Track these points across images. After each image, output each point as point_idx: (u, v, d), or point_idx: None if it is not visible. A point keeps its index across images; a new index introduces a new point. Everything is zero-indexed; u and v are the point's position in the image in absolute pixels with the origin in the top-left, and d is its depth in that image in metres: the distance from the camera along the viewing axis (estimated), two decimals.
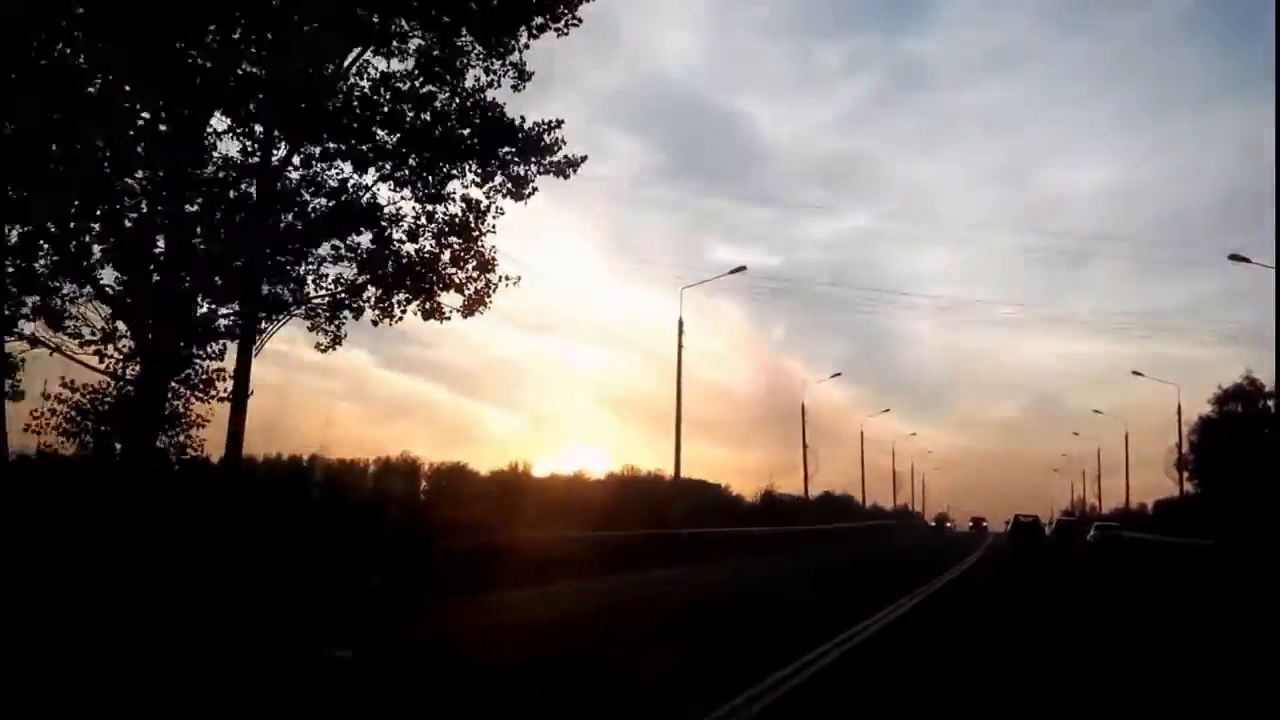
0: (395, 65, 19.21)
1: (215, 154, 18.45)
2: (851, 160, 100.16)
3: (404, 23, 18.85)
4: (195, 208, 18.29)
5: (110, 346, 17.84)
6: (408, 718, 6.94)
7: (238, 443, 18.80)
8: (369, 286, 20.28)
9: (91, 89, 16.14)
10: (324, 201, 19.62)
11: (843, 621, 12.19)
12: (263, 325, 19.64)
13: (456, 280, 20.28)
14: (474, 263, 20.33)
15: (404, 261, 20.16)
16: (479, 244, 20.27)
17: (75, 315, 17.90)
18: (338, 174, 19.51)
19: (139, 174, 17.52)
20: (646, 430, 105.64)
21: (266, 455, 75.76)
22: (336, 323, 20.52)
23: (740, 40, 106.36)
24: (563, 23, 19.32)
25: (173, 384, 18.20)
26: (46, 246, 17.43)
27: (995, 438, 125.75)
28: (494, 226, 20.36)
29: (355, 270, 20.18)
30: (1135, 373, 55.78)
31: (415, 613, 13.16)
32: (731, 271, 38.44)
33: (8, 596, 10.05)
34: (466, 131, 19.66)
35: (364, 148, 19.31)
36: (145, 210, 17.91)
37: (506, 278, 20.51)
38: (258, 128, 18.61)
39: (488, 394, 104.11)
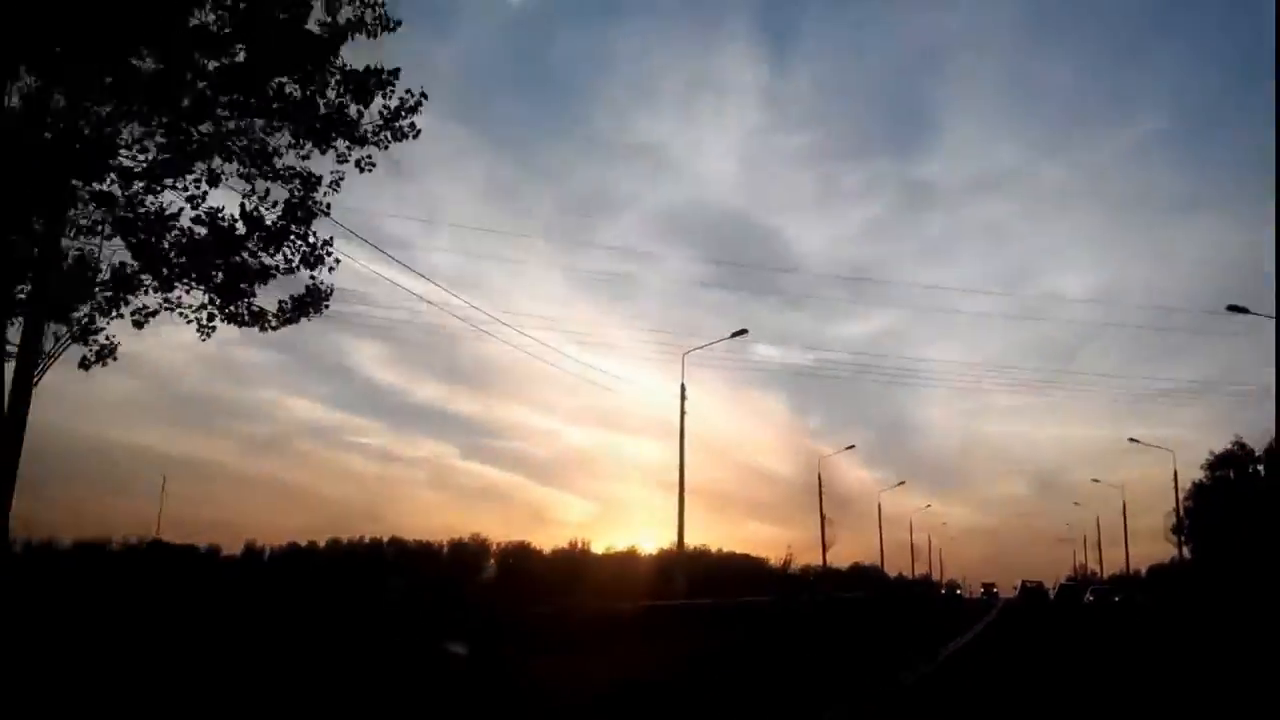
0: None
1: None
2: (872, 268, 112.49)
3: None
4: None
5: None
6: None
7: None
8: (141, 276, 15.11)
9: None
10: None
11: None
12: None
13: (270, 269, 15.42)
14: (297, 254, 15.42)
15: (187, 240, 14.93)
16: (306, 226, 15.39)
17: None
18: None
19: None
20: (698, 510, 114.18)
21: (350, 538, 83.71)
22: (98, 329, 15.44)
23: (774, 167, 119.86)
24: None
25: None
26: None
27: (1006, 512, 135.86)
28: (328, 205, 15.60)
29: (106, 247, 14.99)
30: (1132, 439, 59.93)
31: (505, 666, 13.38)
32: (733, 335, 39.29)
33: None
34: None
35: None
36: None
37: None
38: None
39: (560, 481, 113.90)
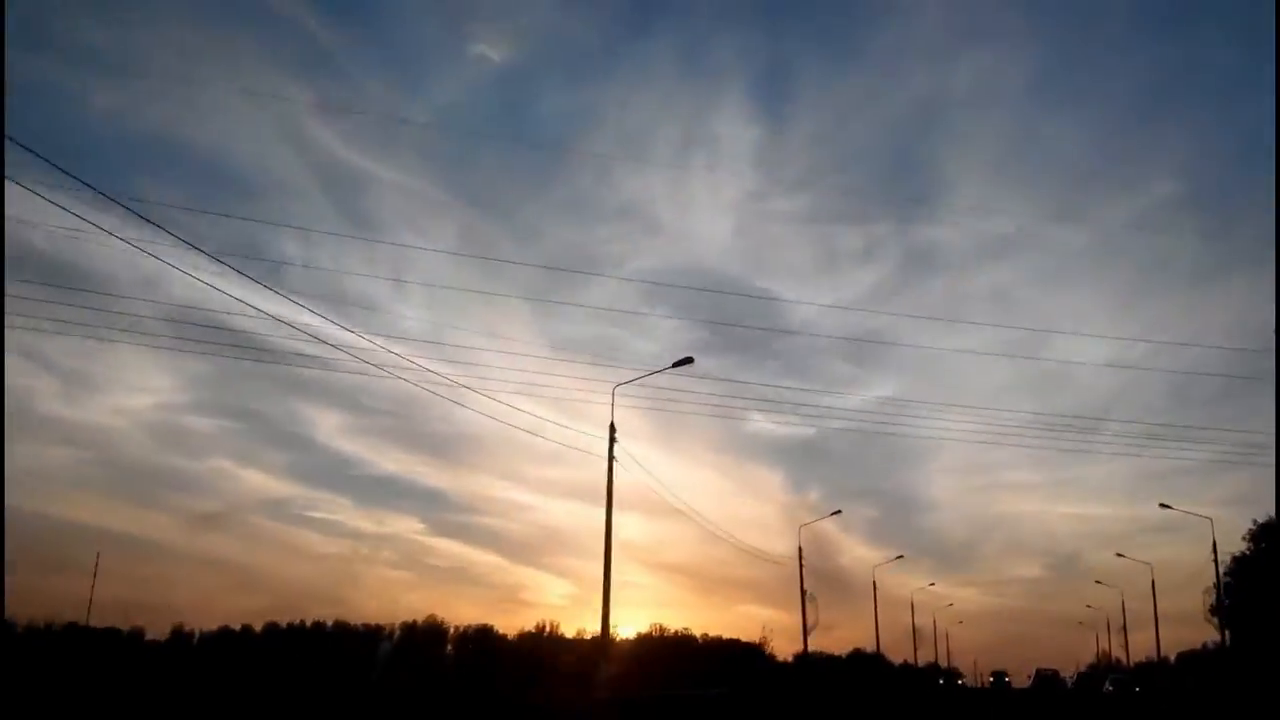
0: None
1: None
2: (874, 335, 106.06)
3: None
4: None
5: None
6: None
7: None
8: None
9: None
10: None
11: None
12: None
13: None
14: None
15: None
16: None
17: None
18: None
19: None
20: (681, 591, 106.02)
21: (290, 622, 76.33)
22: None
23: (768, 229, 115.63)
24: None
25: None
26: None
27: (1020, 593, 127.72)
28: None
29: None
30: (1163, 505, 53.45)
31: None
32: (675, 364, 32.01)
33: None
34: None
35: None
36: None
37: None
38: None
39: (538, 559, 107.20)
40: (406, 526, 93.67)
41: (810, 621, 51.85)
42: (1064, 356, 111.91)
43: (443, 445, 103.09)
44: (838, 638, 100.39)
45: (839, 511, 55.84)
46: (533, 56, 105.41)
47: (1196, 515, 54.75)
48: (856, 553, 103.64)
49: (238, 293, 21.83)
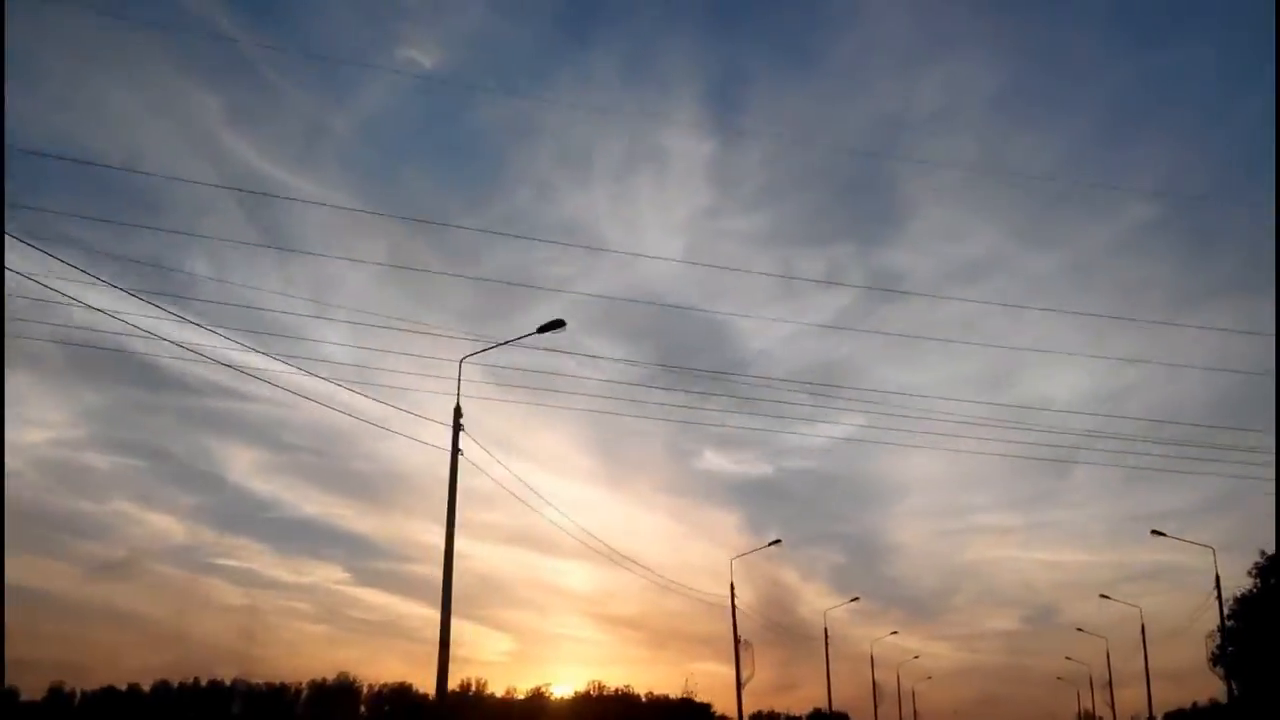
0: None
1: None
2: (835, 366, 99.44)
3: None
4: None
5: None
6: None
7: None
8: None
9: None
10: None
11: None
12: None
13: None
14: None
15: None
16: None
17: None
18: None
19: None
20: (630, 646, 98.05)
21: (183, 681, 68.45)
22: None
23: (722, 250, 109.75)
24: None
25: None
26: None
27: (995, 647, 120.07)
28: None
29: None
30: (1156, 532, 46.63)
31: None
32: (542, 328, 25.30)
33: None
34: None
35: None
36: None
37: None
38: None
39: (473, 611, 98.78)
40: (328, 575, 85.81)
41: (746, 673, 44.67)
42: (1038, 391, 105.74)
43: (369, 485, 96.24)
44: (800, 696, 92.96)
45: (778, 541, 48.65)
46: (466, 63, 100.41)
47: (1197, 544, 47.97)
48: (819, 603, 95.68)
49: (141, 317, 19.16)
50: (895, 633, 74.45)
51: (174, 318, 20.17)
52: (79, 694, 65.65)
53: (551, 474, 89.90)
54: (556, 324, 26.09)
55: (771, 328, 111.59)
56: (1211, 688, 60.15)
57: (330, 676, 63.37)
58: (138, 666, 79.38)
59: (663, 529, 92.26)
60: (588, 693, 66.99)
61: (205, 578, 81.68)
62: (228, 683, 65.61)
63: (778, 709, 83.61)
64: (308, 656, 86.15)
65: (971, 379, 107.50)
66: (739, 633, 44.49)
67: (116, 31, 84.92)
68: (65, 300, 17.88)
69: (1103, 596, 58.21)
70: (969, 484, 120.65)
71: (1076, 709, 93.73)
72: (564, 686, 67.10)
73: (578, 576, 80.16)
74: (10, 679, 51.00)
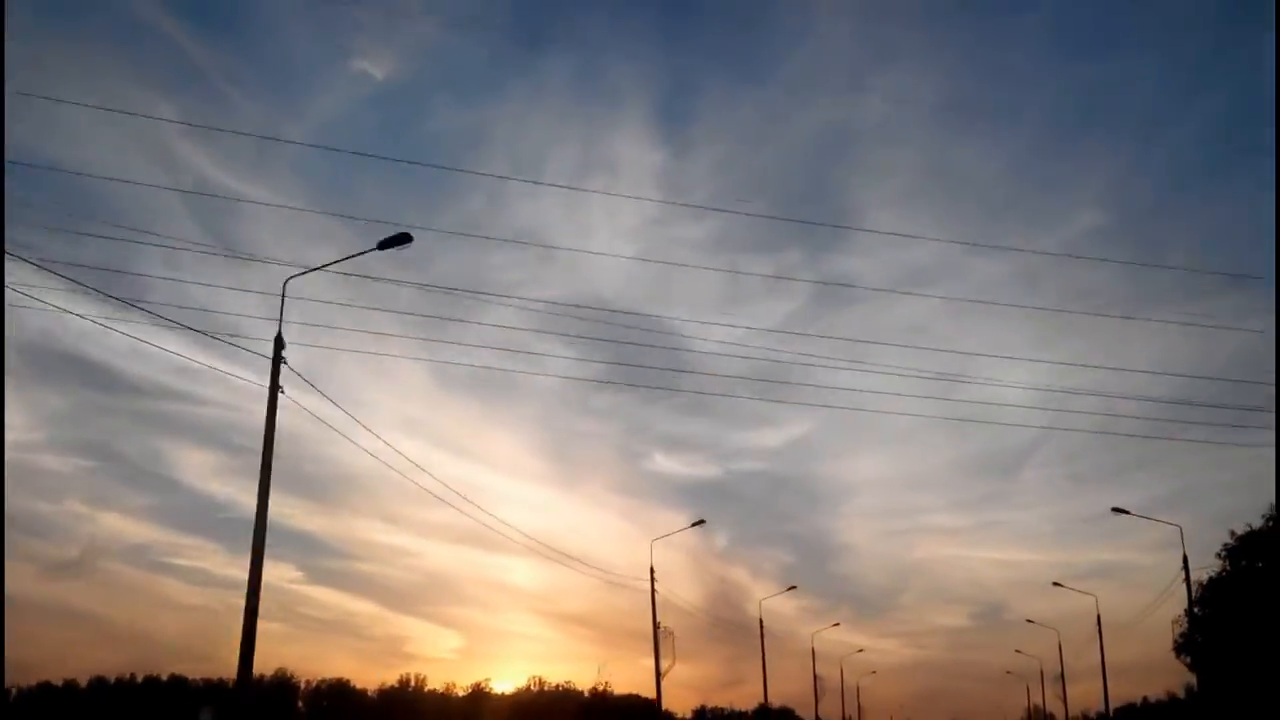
0: None
1: None
2: (783, 370, 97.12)
3: None
4: None
5: None
6: None
7: None
8: None
9: None
10: None
11: None
12: None
13: None
14: None
15: None
16: None
17: None
18: None
19: None
20: (582, 643, 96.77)
21: (120, 677, 66.48)
22: None
23: (672, 255, 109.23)
24: None
25: None
26: None
27: (942, 645, 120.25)
28: None
29: None
30: (1117, 509, 43.47)
31: None
32: (384, 244, 22.65)
33: None
34: None
35: None
36: None
37: None
38: None
39: (421, 608, 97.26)
40: (280, 574, 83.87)
41: (666, 662, 41.81)
42: (986, 392, 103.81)
43: (320, 486, 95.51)
44: (746, 692, 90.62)
45: (702, 521, 45.97)
46: (418, 73, 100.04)
47: (1163, 523, 44.85)
48: (769, 603, 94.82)
49: (95, 319, 19.56)
50: (838, 624, 72.53)
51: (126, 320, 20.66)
52: (14, 692, 63.73)
53: (503, 475, 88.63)
54: (402, 238, 23.87)
55: (719, 331, 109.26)
56: (1169, 683, 56.76)
57: (268, 673, 61.06)
58: (86, 665, 77.53)
59: (614, 529, 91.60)
60: (528, 688, 64.45)
61: (158, 576, 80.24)
62: (164, 678, 63.54)
63: (723, 705, 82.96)
64: (259, 654, 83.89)
65: (920, 382, 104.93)
66: (658, 619, 41.93)
67: (71, 41, 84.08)
68: (24, 303, 18.34)
69: (1055, 584, 55.39)
70: (918, 484, 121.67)
71: (1026, 704, 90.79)
72: (506, 683, 64.83)
73: (526, 574, 78.36)
74: None
